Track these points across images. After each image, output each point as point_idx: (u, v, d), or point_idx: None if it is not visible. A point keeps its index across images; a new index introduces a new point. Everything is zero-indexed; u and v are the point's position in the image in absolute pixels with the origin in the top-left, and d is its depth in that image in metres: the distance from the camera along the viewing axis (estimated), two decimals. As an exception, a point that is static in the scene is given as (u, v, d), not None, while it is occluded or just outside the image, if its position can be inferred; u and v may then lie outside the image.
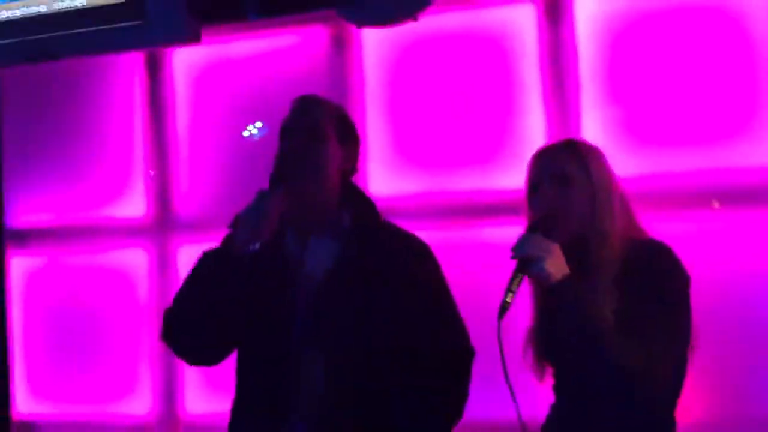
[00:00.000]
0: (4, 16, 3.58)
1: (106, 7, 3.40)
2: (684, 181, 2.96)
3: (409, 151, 3.29)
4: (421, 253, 2.36)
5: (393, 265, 2.29)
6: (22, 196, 3.84)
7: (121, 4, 3.37)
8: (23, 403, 3.79)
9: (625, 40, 3.05)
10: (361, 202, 2.39)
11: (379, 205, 3.21)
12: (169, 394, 3.56)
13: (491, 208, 3.12)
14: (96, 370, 3.68)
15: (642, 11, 3.03)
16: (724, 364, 2.88)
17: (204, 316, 2.22)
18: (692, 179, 2.96)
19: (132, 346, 3.61)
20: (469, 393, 2.32)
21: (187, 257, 3.40)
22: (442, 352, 2.30)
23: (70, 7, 3.44)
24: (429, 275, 2.35)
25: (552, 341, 2.19)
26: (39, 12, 3.47)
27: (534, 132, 3.09)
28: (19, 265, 3.83)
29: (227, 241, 2.26)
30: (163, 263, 3.59)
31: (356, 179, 2.98)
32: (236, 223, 2.22)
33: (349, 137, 2.38)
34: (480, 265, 3.09)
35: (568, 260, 2.08)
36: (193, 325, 2.25)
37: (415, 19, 3.06)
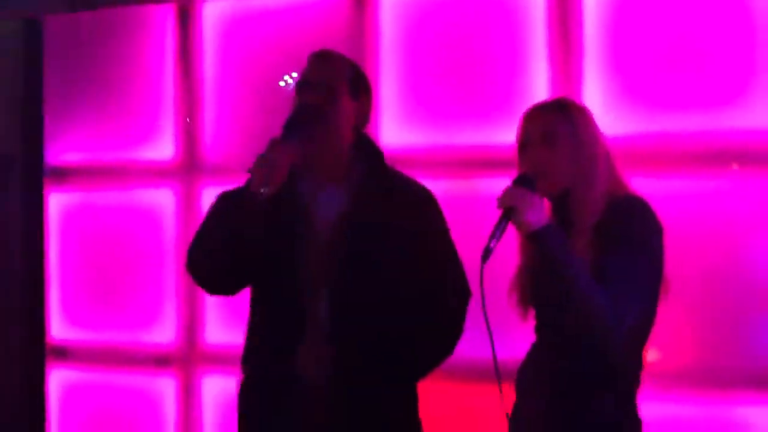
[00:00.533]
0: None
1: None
2: (680, 142, 3.11)
3: (419, 105, 3.47)
4: (426, 200, 2.53)
5: (399, 212, 2.45)
6: (61, 136, 4.08)
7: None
8: (57, 329, 4.07)
9: (628, 5, 3.19)
10: (372, 154, 2.53)
11: (390, 155, 3.41)
12: (191, 325, 3.81)
13: (493, 162, 3.29)
14: (124, 301, 3.94)
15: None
16: (716, 315, 3.06)
17: (219, 251, 2.39)
18: (688, 140, 3.10)
19: (157, 280, 3.86)
20: (463, 331, 2.50)
21: (210, 198, 3.60)
22: (441, 291, 2.48)
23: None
24: (432, 221, 2.52)
25: (533, 284, 2.36)
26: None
27: (538, 92, 3.23)
28: (57, 201, 4.08)
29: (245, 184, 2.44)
30: (188, 204, 3.82)
31: (369, 130, 3.16)
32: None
33: (362, 92, 2.52)
34: (480, 214, 3.25)
35: (555, 212, 2.28)
36: (209, 259, 2.43)
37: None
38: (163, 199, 3.86)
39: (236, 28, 3.78)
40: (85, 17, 3.97)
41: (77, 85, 4.04)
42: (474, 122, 3.37)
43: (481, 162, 3.34)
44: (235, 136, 3.77)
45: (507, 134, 3.33)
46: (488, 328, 2.19)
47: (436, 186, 3.17)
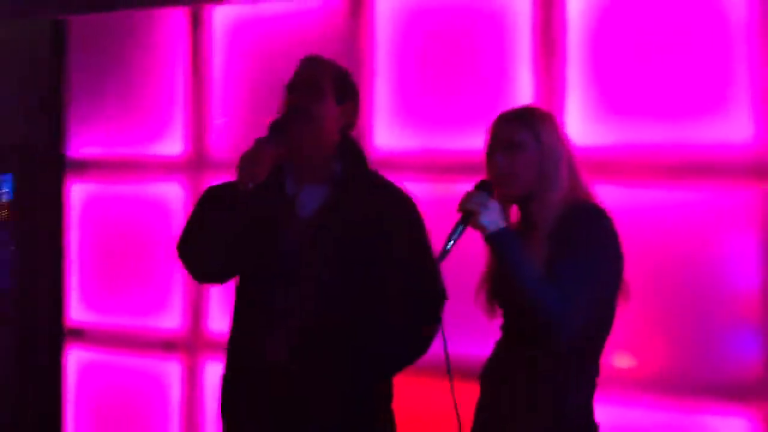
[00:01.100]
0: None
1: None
2: (658, 153, 3.20)
3: (411, 110, 3.61)
4: (404, 203, 2.62)
5: (377, 212, 2.55)
6: (81, 130, 4.31)
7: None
8: (75, 312, 4.31)
9: (610, 19, 3.29)
10: (354, 155, 2.63)
11: (382, 158, 3.58)
12: (196, 313, 4.02)
13: (479, 167, 3.41)
14: (135, 287, 4.16)
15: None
16: (687, 323, 3.14)
17: (205, 241, 2.54)
18: (666, 151, 3.19)
19: (166, 269, 4.06)
20: (437, 333, 2.55)
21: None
22: (415, 292, 2.56)
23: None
24: (409, 223, 2.60)
25: (497, 284, 2.48)
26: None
27: (522, 98, 3.32)
28: (77, 191, 4.32)
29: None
30: (196, 197, 3.94)
31: (364, 133, 3.25)
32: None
33: (348, 96, 2.62)
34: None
35: (521, 215, 2.42)
36: (196, 248, 2.59)
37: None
38: (172, 192, 4.07)
39: (243, 31, 3.96)
40: (105, 19, 4.19)
41: (97, 82, 4.27)
42: (463, 127, 3.50)
43: (469, 166, 3.46)
44: (241, 133, 3.92)
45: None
46: (442, 333, 2.40)
47: (426, 188, 3.36)
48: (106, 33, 4.25)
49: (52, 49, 4.38)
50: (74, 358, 4.30)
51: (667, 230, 3.17)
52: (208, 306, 3.99)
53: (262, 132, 2.51)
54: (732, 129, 3.09)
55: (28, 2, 4.30)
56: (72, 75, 4.34)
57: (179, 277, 4.01)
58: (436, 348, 2.61)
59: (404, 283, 2.56)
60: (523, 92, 3.39)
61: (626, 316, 3.09)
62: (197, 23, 4.04)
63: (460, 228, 2.33)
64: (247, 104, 3.93)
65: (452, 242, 2.32)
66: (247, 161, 2.46)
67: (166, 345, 4.07)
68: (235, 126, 3.94)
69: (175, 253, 4.13)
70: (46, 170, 4.37)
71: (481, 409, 2.50)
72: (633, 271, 3.08)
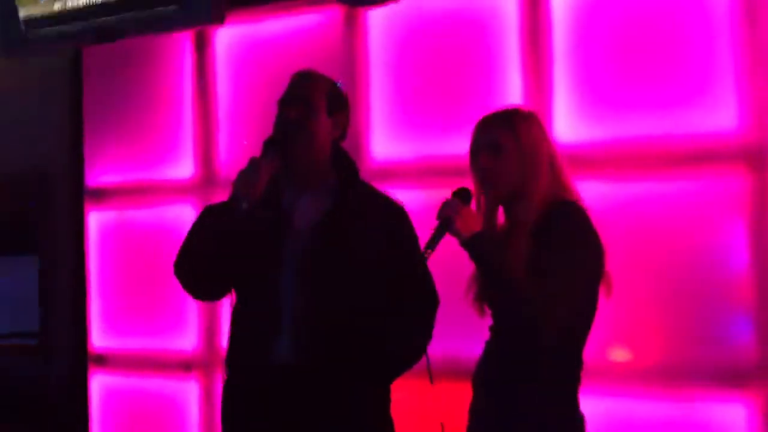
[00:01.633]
0: (78, 3, 4.17)
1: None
2: (644, 145, 3.20)
3: (405, 119, 3.64)
4: (396, 211, 2.65)
5: (370, 221, 2.59)
6: (97, 159, 4.42)
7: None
8: (97, 338, 4.40)
9: (593, 15, 3.30)
10: (346, 166, 2.68)
11: (379, 166, 3.62)
12: (210, 332, 4.07)
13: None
14: (153, 311, 4.23)
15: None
16: (681, 313, 3.14)
17: (202, 260, 2.56)
18: (651, 143, 3.19)
19: (181, 292, 4.11)
20: (431, 336, 2.60)
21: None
22: (408, 298, 2.59)
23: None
24: (400, 231, 2.64)
25: (483, 285, 2.50)
26: (96, 1, 4.03)
27: (513, 101, 3.31)
28: (95, 219, 4.43)
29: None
30: None
31: (360, 144, 3.27)
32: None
33: (339, 108, 2.66)
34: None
35: (506, 215, 2.46)
36: (193, 267, 2.60)
37: (397, 0, 3.40)
38: (184, 214, 4.11)
39: (246, 51, 4.04)
40: (115, 48, 4.29)
41: (109, 110, 4.39)
42: (456, 132, 3.50)
43: (464, 170, 3.46)
44: (249, 153, 4.00)
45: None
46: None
47: (421, 194, 3.37)
48: (116, 62, 4.38)
49: (70, 79, 4.52)
50: (98, 383, 4.38)
51: (658, 221, 3.16)
52: (222, 326, 4.02)
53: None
54: (718, 118, 3.08)
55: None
56: (87, 105, 4.47)
57: (194, 299, 4.07)
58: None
59: (399, 290, 2.59)
60: (513, 94, 3.40)
61: (619, 306, 3.11)
62: (201, 46, 4.13)
63: (439, 234, 2.38)
64: (253, 122, 3.99)
65: (430, 250, 2.38)
66: (243, 180, 2.50)
67: (184, 365, 4.12)
68: (240, 144, 3.99)
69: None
70: (65, 199, 4.50)
71: (474, 411, 2.53)
72: (625, 262, 3.11)
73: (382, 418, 2.66)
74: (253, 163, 2.52)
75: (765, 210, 3.04)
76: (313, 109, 2.60)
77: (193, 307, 4.10)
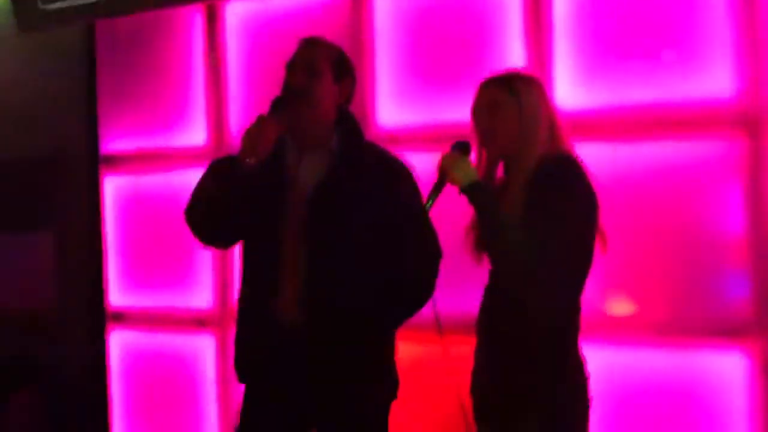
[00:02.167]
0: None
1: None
2: (642, 111, 3.36)
3: (411, 88, 3.82)
4: (399, 169, 2.76)
5: (372, 178, 2.70)
6: (112, 127, 4.60)
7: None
8: (115, 296, 4.61)
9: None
10: (351, 128, 2.79)
11: (386, 133, 3.78)
12: (224, 291, 4.28)
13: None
14: (167, 270, 4.44)
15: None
16: (680, 269, 3.31)
17: (209, 210, 2.69)
18: (649, 109, 3.34)
19: (196, 252, 4.30)
20: (434, 287, 2.73)
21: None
22: (413, 252, 2.71)
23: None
24: (404, 188, 2.74)
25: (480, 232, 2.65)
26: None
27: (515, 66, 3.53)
28: (110, 184, 4.62)
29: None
30: None
31: (368, 112, 3.42)
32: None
33: (344, 75, 2.77)
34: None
35: (504, 172, 2.59)
36: (201, 216, 2.73)
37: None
38: (196, 179, 4.30)
39: (255, 24, 4.21)
40: (128, 21, 4.46)
41: (123, 81, 4.56)
42: (460, 100, 3.66)
43: (467, 136, 3.67)
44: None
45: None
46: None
47: (427, 159, 3.54)
48: (130, 34, 4.54)
49: (84, 51, 4.67)
50: (116, 340, 4.60)
51: (657, 183, 3.32)
52: (233, 283, 4.20)
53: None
54: (714, 84, 3.23)
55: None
56: (99, 75, 4.64)
57: (208, 257, 4.28)
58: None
59: (400, 244, 2.70)
60: (515, 61, 3.53)
61: (621, 263, 3.30)
62: (212, 19, 4.30)
63: (439, 186, 2.54)
64: (262, 93, 4.15)
65: (431, 201, 2.53)
66: (250, 137, 2.62)
67: (199, 321, 4.33)
68: (251, 113, 4.17)
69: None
70: (82, 166, 4.68)
71: (477, 357, 2.66)
72: (626, 222, 3.28)
73: (385, 369, 2.78)
74: (260, 121, 2.63)
75: (759, 173, 3.20)
76: (318, 75, 2.71)
77: (206, 266, 4.31)
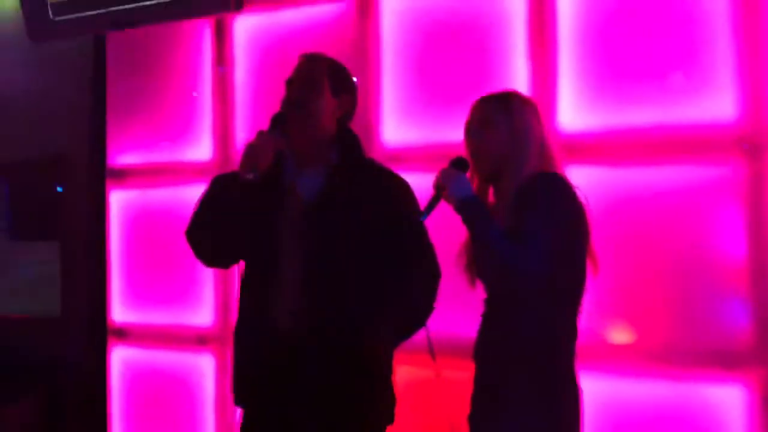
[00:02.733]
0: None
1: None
2: (644, 133, 3.29)
3: (416, 106, 3.76)
4: (398, 186, 2.76)
5: (370, 194, 2.70)
6: (119, 141, 4.57)
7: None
8: (117, 313, 4.56)
9: (599, 7, 3.41)
10: (350, 143, 2.79)
11: (390, 151, 3.73)
12: (225, 309, 4.22)
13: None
14: (170, 286, 4.38)
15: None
16: (680, 297, 3.23)
17: (210, 227, 2.70)
18: (652, 132, 3.28)
19: (199, 268, 4.25)
20: (433, 307, 2.71)
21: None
22: (412, 270, 2.69)
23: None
24: (402, 205, 2.74)
25: (473, 253, 2.62)
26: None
27: (519, 88, 3.42)
28: (116, 198, 4.58)
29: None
30: None
31: (372, 129, 3.39)
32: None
33: (344, 90, 2.78)
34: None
35: (495, 191, 2.55)
36: (203, 234, 2.74)
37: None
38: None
39: (264, 38, 4.16)
40: (138, 33, 4.43)
41: (131, 93, 4.53)
42: (463, 119, 3.60)
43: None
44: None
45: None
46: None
47: (430, 178, 3.49)
48: (140, 45, 4.51)
49: (94, 62, 4.65)
50: (117, 356, 4.54)
51: (659, 207, 3.26)
52: (234, 302, 4.14)
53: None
54: (717, 107, 3.18)
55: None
56: (110, 88, 4.61)
57: (210, 274, 4.22)
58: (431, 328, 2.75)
59: (402, 261, 2.68)
60: (519, 82, 3.50)
61: (620, 289, 3.26)
62: (221, 33, 4.27)
63: (434, 202, 2.50)
64: (268, 107, 4.10)
65: (425, 216, 2.50)
66: (250, 152, 2.63)
67: (200, 339, 4.27)
68: (258, 128, 4.12)
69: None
70: (88, 179, 4.65)
71: (475, 385, 2.61)
72: (626, 246, 3.25)
73: (384, 384, 2.75)
74: (261, 136, 2.65)
75: (761, 198, 3.14)
76: (316, 89, 2.72)
77: (209, 284, 4.25)
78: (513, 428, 2.46)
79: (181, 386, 4.34)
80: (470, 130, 2.59)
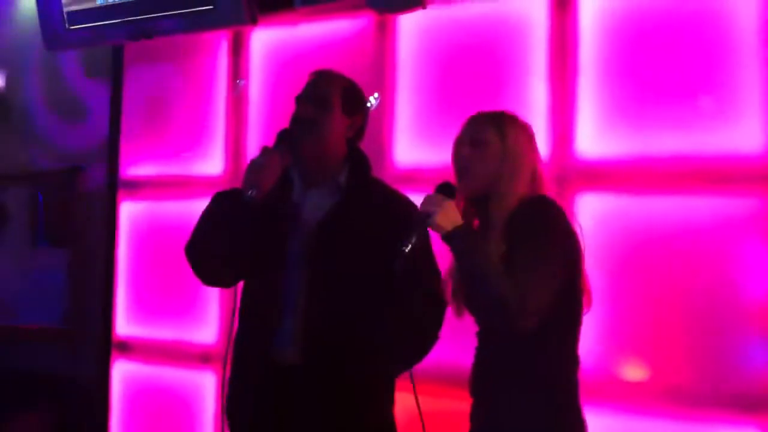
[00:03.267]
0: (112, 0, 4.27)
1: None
2: (666, 162, 3.17)
3: (430, 126, 3.66)
4: (405, 210, 2.65)
5: (378, 217, 2.62)
6: (132, 152, 4.52)
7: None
8: (121, 326, 4.50)
9: (621, 31, 3.30)
10: (359, 165, 2.71)
11: (402, 171, 3.65)
12: (230, 327, 4.11)
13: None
14: (175, 301, 4.31)
15: (638, 7, 3.27)
16: (699, 335, 3.09)
17: (211, 245, 2.62)
18: (674, 161, 3.16)
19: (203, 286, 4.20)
20: (438, 335, 2.61)
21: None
22: (419, 296, 2.59)
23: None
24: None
25: (458, 282, 2.53)
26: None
27: (538, 111, 3.36)
28: (126, 209, 4.53)
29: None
30: None
31: (385, 149, 3.32)
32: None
33: (354, 109, 2.71)
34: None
35: (479, 214, 2.45)
36: (203, 252, 2.66)
37: (424, 7, 3.44)
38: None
39: (279, 52, 4.10)
40: (155, 45, 4.38)
41: (147, 104, 4.48)
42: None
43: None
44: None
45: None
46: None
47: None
48: (156, 57, 4.47)
49: (111, 72, 4.62)
50: (119, 370, 4.48)
51: (678, 239, 3.14)
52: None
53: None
54: (742, 138, 3.06)
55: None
56: (125, 98, 4.57)
57: (216, 292, 4.14)
58: (433, 357, 2.66)
59: (409, 286, 2.57)
60: (538, 105, 3.40)
61: (637, 325, 3.16)
62: (238, 46, 4.21)
63: (419, 229, 2.36)
64: (280, 122, 4.02)
65: (409, 245, 2.33)
66: (254, 169, 2.54)
67: (203, 357, 4.19)
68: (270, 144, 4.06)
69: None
70: (100, 190, 4.61)
71: (472, 420, 2.54)
72: (644, 279, 3.13)
73: (386, 416, 2.69)
74: (265, 153, 2.57)
75: None
76: (327, 108, 2.64)
77: (214, 301, 4.17)
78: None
79: (182, 403, 4.26)
80: (459, 145, 2.50)
